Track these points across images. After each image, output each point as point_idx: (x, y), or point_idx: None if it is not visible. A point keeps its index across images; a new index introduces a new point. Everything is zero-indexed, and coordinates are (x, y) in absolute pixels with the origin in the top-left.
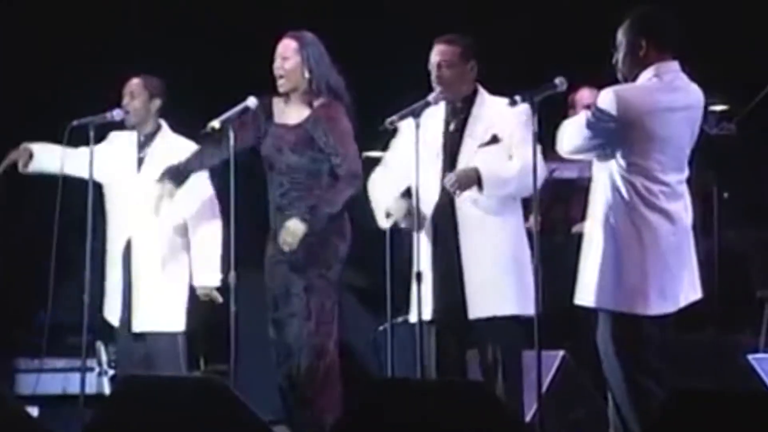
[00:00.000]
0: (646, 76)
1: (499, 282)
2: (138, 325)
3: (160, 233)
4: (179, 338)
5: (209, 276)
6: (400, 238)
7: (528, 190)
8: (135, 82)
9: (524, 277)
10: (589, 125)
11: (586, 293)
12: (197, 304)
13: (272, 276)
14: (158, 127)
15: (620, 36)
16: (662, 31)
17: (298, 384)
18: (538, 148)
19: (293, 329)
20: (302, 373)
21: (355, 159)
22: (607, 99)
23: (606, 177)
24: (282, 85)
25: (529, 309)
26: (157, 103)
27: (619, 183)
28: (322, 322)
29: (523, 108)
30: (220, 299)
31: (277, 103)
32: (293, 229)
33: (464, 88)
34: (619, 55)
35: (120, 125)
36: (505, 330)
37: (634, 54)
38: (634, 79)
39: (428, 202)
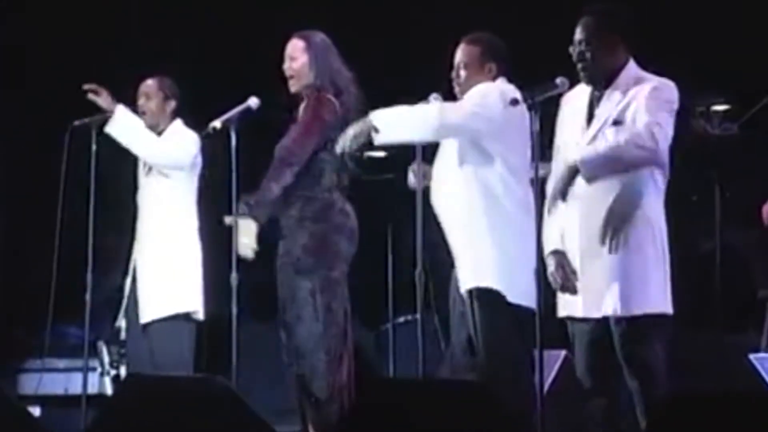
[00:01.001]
0: (631, 73)
1: (464, 252)
2: (142, 317)
3: (161, 228)
4: (184, 328)
5: None
6: (402, 236)
7: (423, 130)
8: (150, 84)
9: (497, 248)
10: (669, 123)
11: (622, 301)
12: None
13: (279, 278)
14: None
15: (588, 33)
16: (633, 28)
17: (314, 385)
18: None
19: (301, 331)
20: (318, 374)
21: (291, 144)
22: (675, 92)
23: (617, 180)
24: (292, 84)
25: (502, 282)
26: (172, 104)
27: (650, 182)
28: (331, 322)
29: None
30: None
31: None
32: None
33: None
34: (588, 54)
35: None
36: (480, 304)
37: (608, 53)
38: (608, 77)
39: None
